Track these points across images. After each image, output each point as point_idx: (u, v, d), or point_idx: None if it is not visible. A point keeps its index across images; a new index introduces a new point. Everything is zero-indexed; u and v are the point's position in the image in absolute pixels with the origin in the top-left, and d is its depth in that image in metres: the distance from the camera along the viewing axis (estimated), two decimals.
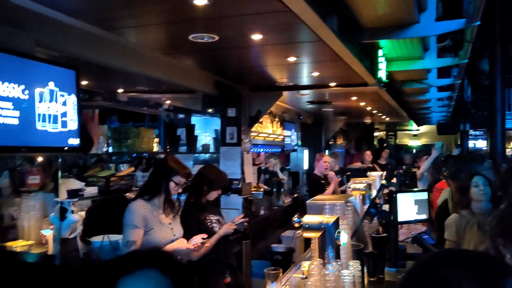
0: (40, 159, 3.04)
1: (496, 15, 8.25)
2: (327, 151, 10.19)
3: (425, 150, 10.83)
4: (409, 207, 2.89)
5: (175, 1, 2.44)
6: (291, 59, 3.84)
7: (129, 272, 0.93)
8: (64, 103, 2.73)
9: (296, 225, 2.70)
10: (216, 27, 2.89)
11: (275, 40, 3.25)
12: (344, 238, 2.61)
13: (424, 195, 2.96)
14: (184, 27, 2.95)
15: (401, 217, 2.85)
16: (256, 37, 3.08)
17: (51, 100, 2.61)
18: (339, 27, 3.24)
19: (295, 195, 7.12)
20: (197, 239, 2.94)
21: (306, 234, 2.67)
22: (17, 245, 2.88)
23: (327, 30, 2.92)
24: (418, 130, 16.84)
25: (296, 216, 2.72)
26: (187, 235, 3.06)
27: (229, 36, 3.11)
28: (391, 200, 2.87)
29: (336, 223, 2.71)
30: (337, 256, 2.64)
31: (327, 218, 2.66)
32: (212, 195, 3.43)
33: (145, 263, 0.96)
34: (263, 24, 2.79)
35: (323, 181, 5.78)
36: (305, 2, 2.35)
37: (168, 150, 4.93)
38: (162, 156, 5.05)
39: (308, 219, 2.66)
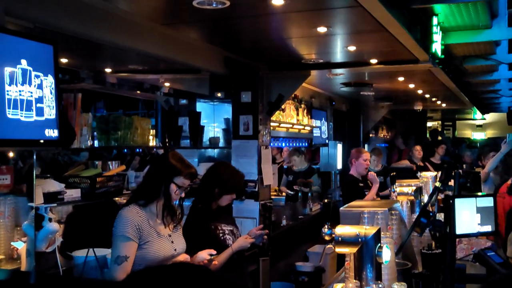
0: (11, 154, 3.10)
1: None
2: (366, 146, 10.15)
3: (492, 144, 10.67)
4: (470, 216, 2.86)
5: None
6: (321, 29, 3.82)
7: None
8: (40, 86, 2.77)
9: (327, 238, 2.70)
10: None
11: (301, 5, 3.25)
12: (387, 254, 2.61)
13: (489, 202, 2.92)
14: None
15: (459, 229, 2.82)
16: (277, 1, 3.08)
17: (23, 83, 2.65)
18: None
19: (325, 201, 7.10)
20: (204, 255, 2.97)
21: (339, 250, 2.67)
22: None
23: None
24: (483, 119, 16.63)
25: (326, 226, 2.72)
26: (193, 249, 3.09)
27: (244, 1, 3.13)
28: (447, 208, 2.84)
29: (377, 236, 2.70)
30: (378, 277, 2.64)
31: (366, 230, 2.66)
32: (225, 200, 3.45)
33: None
34: None
35: (361, 184, 5.77)
36: None
37: (167, 144, 4.97)
38: (160, 151, 5.12)
39: (342, 230, 2.67)
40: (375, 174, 5.93)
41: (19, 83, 2.62)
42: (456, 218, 2.83)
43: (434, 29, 4.80)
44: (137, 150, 4.99)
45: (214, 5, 3.14)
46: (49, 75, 2.84)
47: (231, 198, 3.49)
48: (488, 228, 2.92)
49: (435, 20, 4.79)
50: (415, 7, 4.05)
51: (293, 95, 6.54)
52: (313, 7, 3.29)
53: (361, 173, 5.83)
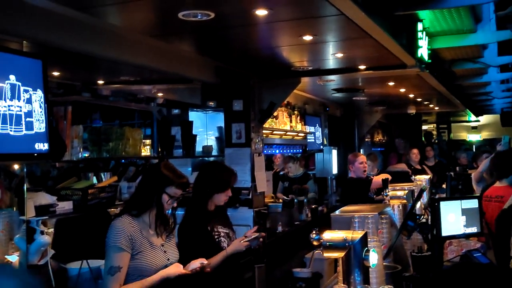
0: None
1: None
2: (361, 151, 10.17)
3: (488, 146, 10.69)
4: (455, 218, 2.89)
5: None
6: (307, 38, 3.85)
7: None
8: (29, 101, 2.80)
9: (315, 243, 2.71)
10: (210, 2, 2.95)
11: (285, 15, 3.28)
12: (374, 258, 2.63)
13: (474, 203, 2.96)
14: (172, 2, 3.01)
15: (446, 231, 2.85)
16: (261, 12, 3.10)
17: (12, 98, 2.68)
18: None
19: (312, 207, 6.99)
20: (196, 264, 2.98)
21: (327, 254, 2.70)
22: None
23: (347, 1, 2.94)
24: (478, 121, 16.62)
25: (314, 232, 2.74)
26: (188, 251, 3.09)
27: (228, 13, 3.16)
28: (433, 210, 2.87)
29: (364, 240, 2.73)
30: (366, 280, 2.66)
31: (353, 234, 2.68)
32: (220, 199, 3.42)
33: None
34: None
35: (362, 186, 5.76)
36: None
37: (160, 154, 5.00)
38: (155, 162, 5.13)
39: (329, 235, 2.69)
40: (379, 179, 5.93)
41: (7, 98, 2.66)
42: (442, 220, 2.86)
43: (420, 34, 4.83)
44: (132, 160, 4.99)
45: (199, 17, 3.16)
46: (38, 89, 2.87)
47: (226, 196, 3.44)
48: (473, 229, 2.96)
49: (420, 26, 4.83)
50: (399, 14, 4.08)
51: (285, 102, 6.57)
52: (297, 16, 3.32)
53: (360, 177, 5.84)
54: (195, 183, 3.53)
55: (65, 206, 3.35)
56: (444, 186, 6.12)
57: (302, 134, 7.50)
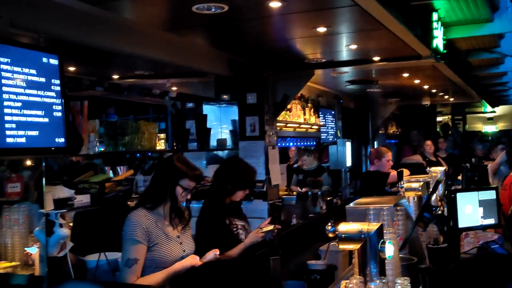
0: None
1: None
2: (375, 143, 10.12)
3: (504, 137, 10.58)
4: (472, 209, 2.87)
5: None
6: (321, 29, 3.84)
7: None
8: (46, 96, 2.83)
9: (330, 235, 2.72)
10: None
11: (298, 7, 3.28)
12: (390, 250, 2.62)
13: (491, 195, 2.93)
14: None
15: (462, 223, 2.83)
16: (274, 4, 3.10)
17: (29, 94, 2.71)
18: None
19: (327, 199, 6.99)
20: (211, 255, 3.00)
21: (343, 246, 2.69)
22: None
23: None
24: (494, 112, 16.44)
25: (329, 224, 2.74)
26: (207, 244, 3.11)
27: (241, 5, 3.16)
28: (450, 202, 2.86)
29: (379, 232, 2.72)
30: (382, 272, 2.65)
31: (368, 226, 2.67)
32: (238, 195, 3.46)
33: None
34: None
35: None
36: None
37: (175, 147, 5.02)
38: (169, 155, 5.15)
39: (345, 227, 2.68)
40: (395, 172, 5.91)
41: (25, 93, 2.68)
42: (458, 212, 2.85)
43: (435, 24, 4.79)
44: (148, 154, 5.03)
45: (213, 10, 3.17)
46: (55, 84, 2.89)
47: (244, 193, 3.49)
48: (491, 221, 2.93)
49: (435, 16, 4.78)
50: (414, 4, 4.05)
51: (299, 95, 6.55)
52: (311, 7, 3.31)
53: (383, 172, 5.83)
54: (216, 177, 3.56)
55: (83, 199, 3.38)
56: (459, 177, 6.06)
57: (316, 127, 7.49)
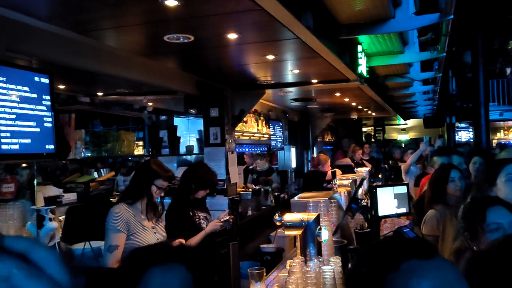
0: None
1: (478, 7, 8.40)
2: (314, 149, 10.24)
3: (413, 144, 10.93)
4: (389, 201, 2.93)
5: (146, 2, 2.44)
6: (270, 57, 3.84)
7: (158, 263, 0.93)
8: (38, 109, 2.70)
9: (278, 223, 2.72)
10: (190, 27, 2.90)
11: (252, 38, 3.26)
12: (325, 234, 2.64)
13: (403, 189, 3.00)
14: (158, 28, 2.95)
15: (381, 212, 2.88)
16: (232, 36, 3.08)
17: (24, 108, 2.58)
18: (316, 24, 3.25)
19: (275, 194, 7.03)
20: (176, 244, 2.94)
21: (288, 232, 2.70)
22: None
23: (302, 28, 2.94)
24: (406, 124, 16.97)
25: (277, 214, 2.74)
26: (174, 232, 3.07)
27: (204, 36, 3.11)
28: (371, 195, 2.90)
29: (317, 220, 2.73)
30: (319, 253, 2.67)
31: (308, 216, 2.68)
32: (200, 194, 3.44)
33: (174, 257, 0.96)
34: (237, 23, 2.80)
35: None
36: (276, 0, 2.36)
37: (151, 152, 4.92)
38: (147, 159, 5.05)
39: (289, 217, 2.69)
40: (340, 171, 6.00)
41: (20, 107, 2.56)
42: (379, 203, 2.90)
43: (359, 54, 4.89)
44: (129, 158, 4.90)
45: (181, 40, 3.12)
46: (46, 99, 2.78)
47: (205, 192, 3.48)
48: (403, 210, 3.00)
49: (359, 48, 4.88)
50: (343, 38, 4.11)
51: (253, 110, 6.55)
52: (262, 39, 3.30)
53: (317, 170, 5.92)
54: (183, 177, 3.51)
55: (70, 197, 3.26)
56: (380, 176, 6.22)
57: (267, 136, 7.51)
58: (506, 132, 15.95)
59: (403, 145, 14.68)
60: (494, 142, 14.13)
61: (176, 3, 2.35)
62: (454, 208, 2.80)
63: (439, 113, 13.34)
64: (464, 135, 16.93)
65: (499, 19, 13.19)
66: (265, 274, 2.37)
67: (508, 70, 14.12)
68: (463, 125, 16.17)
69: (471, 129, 15.25)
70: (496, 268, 1.07)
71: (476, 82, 8.38)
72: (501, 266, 1.06)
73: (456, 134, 15.31)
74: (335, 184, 4.91)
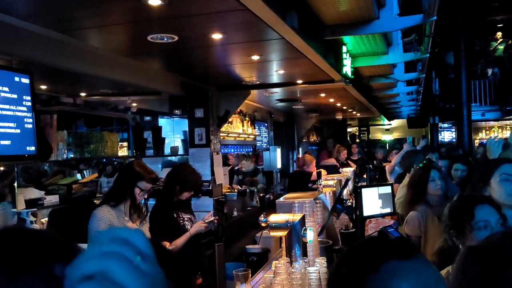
0: None
1: (459, 9, 8.54)
2: (300, 149, 10.26)
3: (398, 144, 11.02)
4: (374, 201, 2.94)
5: (128, 1, 2.41)
6: (255, 57, 3.83)
7: None
8: (19, 110, 2.65)
9: (263, 224, 2.72)
10: (174, 27, 2.87)
11: (236, 39, 3.24)
12: (310, 235, 2.64)
13: (388, 189, 3.02)
14: (141, 27, 2.91)
15: (366, 212, 2.90)
16: (216, 36, 3.06)
17: (3, 108, 2.53)
18: (300, 25, 3.26)
19: (260, 195, 7.03)
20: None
21: (273, 233, 2.69)
22: None
23: (287, 28, 2.94)
24: (390, 124, 17.11)
25: (262, 215, 2.74)
26: (159, 233, 3.04)
27: (189, 36, 3.09)
28: (356, 195, 2.92)
29: (302, 221, 2.74)
30: (305, 253, 2.67)
31: (293, 216, 2.68)
32: (184, 195, 3.41)
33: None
34: (221, 23, 2.79)
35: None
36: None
37: (135, 154, 4.87)
38: (130, 160, 4.99)
39: (274, 218, 2.68)
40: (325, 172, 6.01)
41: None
42: (363, 203, 2.91)
43: (344, 55, 4.90)
44: (113, 159, 4.83)
45: (165, 40, 3.09)
46: (27, 100, 2.72)
47: (189, 194, 3.46)
48: (388, 210, 3.02)
49: (344, 49, 4.90)
50: (328, 39, 4.12)
51: (238, 110, 6.53)
52: (246, 39, 3.29)
53: (302, 171, 5.92)
54: (167, 179, 3.48)
55: (52, 199, 3.20)
56: (365, 176, 6.25)
57: (252, 136, 7.50)
58: (487, 132, 16.24)
59: (386, 146, 14.82)
60: (476, 142, 14.36)
61: (159, 2, 2.32)
62: (436, 208, 2.83)
63: (422, 113, 13.50)
64: (447, 135, 17.17)
65: (480, 21, 13.44)
66: (250, 275, 2.36)
67: (490, 71, 14.37)
68: (446, 125, 16.39)
69: (454, 129, 15.47)
70: (495, 258, 1.06)
71: (458, 83, 8.53)
72: (500, 256, 1.06)
73: (439, 134, 15.51)
74: (320, 185, 4.92)
